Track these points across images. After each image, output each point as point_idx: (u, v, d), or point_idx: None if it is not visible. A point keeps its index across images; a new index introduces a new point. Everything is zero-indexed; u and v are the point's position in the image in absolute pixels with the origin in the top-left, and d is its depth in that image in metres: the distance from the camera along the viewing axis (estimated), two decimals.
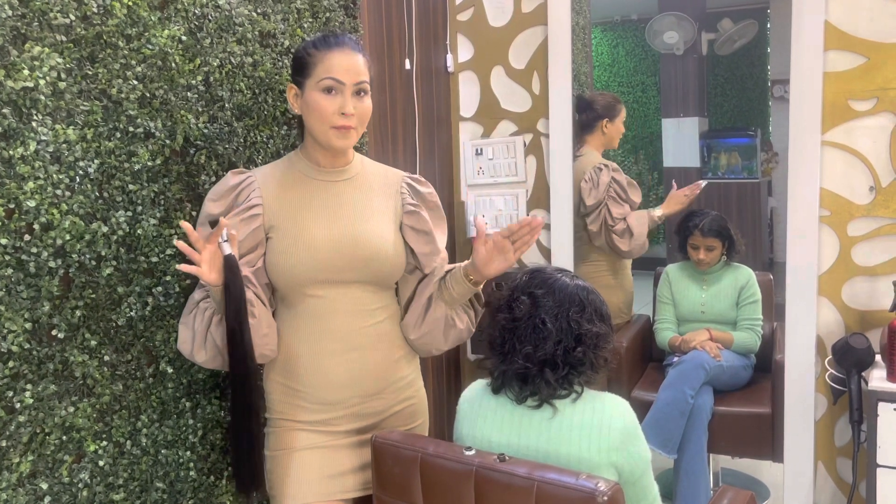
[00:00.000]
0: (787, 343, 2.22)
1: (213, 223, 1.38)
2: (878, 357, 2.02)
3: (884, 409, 1.89)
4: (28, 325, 1.28)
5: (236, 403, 1.49)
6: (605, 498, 1.17)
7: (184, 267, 1.35)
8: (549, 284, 1.42)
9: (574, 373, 1.38)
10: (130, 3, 1.45)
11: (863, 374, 2.03)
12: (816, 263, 2.17)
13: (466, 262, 1.62)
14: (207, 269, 1.37)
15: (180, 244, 1.34)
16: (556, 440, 1.35)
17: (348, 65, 1.50)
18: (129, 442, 1.47)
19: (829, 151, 2.15)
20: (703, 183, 2.74)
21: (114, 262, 1.43)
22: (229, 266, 1.39)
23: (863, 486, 2.04)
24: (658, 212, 2.76)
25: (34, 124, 1.28)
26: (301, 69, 1.53)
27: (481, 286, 1.65)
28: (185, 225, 1.34)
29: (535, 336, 1.38)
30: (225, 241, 1.38)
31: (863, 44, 2.09)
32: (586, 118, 2.77)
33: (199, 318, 1.47)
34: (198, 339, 1.47)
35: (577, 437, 1.34)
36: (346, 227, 1.54)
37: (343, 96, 1.49)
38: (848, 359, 2.02)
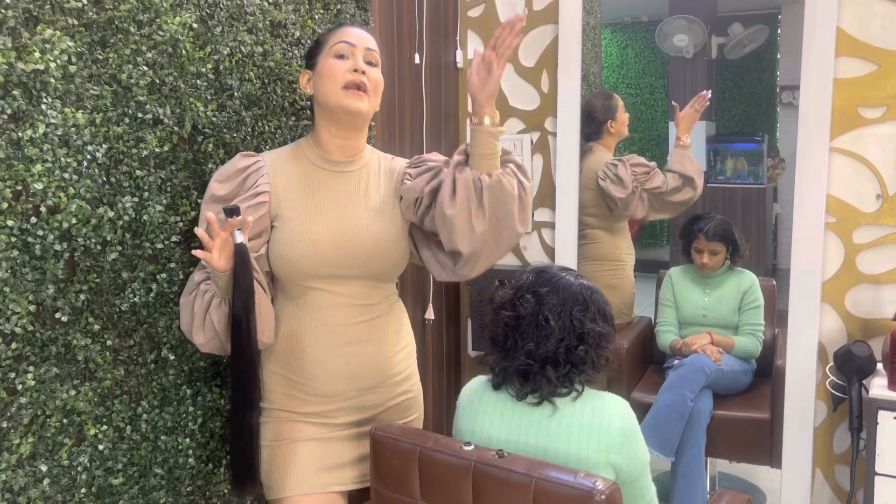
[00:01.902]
0: (789, 349, 2.21)
1: (222, 207, 1.39)
2: (879, 365, 2.02)
3: (884, 417, 1.88)
4: (32, 308, 1.29)
5: (236, 394, 1.49)
6: (604, 497, 1.17)
7: (198, 252, 1.36)
8: (554, 283, 1.42)
9: (575, 371, 1.38)
10: None
11: (864, 381, 2.02)
12: (821, 270, 2.17)
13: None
14: (217, 256, 1.37)
15: (200, 232, 1.35)
16: (556, 438, 1.35)
17: (360, 34, 1.56)
18: (129, 427, 1.47)
19: (836, 158, 2.14)
20: (707, 93, 2.62)
21: (119, 248, 1.43)
22: (240, 255, 1.40)
23: (860, 494, 2.04)
24: (684, 139, 2.68)
25: (43, 107, 1.28)
26: (314, 50, 1.57)
27: (496, 138, 1.51)
28: (210, 216, 1.35)
29: (538, 333, 1.38)
30: (238, 229, 1.38)
31: (874, 51, 2.08)
32: (591, 128, 2.77)
33: (198, 300, 1.47)
34: (196, 321, 1.47)
35: (577, 435, 1.33)
36: (349, 221, 1.54)
37: (355, 58, 1.53)
38: (849, 366, 2.01)
